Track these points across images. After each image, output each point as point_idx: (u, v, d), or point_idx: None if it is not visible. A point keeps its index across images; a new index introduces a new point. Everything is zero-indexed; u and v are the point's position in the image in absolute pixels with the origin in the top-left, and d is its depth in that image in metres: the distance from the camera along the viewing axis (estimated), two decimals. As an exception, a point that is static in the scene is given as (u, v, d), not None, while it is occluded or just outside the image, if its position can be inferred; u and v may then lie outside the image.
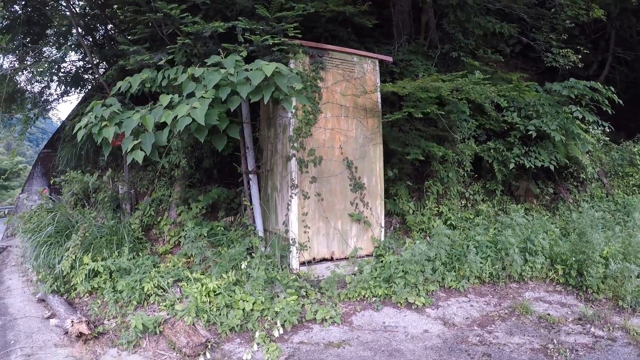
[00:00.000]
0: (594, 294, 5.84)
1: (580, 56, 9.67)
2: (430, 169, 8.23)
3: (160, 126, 5.07)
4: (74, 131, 5.49)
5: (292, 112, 6.07)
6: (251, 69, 4.93)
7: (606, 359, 4.55)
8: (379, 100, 6.91)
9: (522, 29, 10.28)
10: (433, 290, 5.99)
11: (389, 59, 7.25)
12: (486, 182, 8.65)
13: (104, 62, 10.19)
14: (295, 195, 6.11)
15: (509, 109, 8.45)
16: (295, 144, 6.11)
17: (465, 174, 8.42)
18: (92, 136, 5.13)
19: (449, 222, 7.72)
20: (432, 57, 9.10)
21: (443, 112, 7.14)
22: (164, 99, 5.06)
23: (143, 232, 7.57)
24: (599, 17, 10.06)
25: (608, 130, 9.11)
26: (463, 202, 8.33)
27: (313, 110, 6.24)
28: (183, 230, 6.92)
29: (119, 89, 5.84)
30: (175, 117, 4.75)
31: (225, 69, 5.05)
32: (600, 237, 6.24)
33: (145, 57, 6.17)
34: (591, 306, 5.62)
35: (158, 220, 7.80)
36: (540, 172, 8.80)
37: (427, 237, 7.18)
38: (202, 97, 4.83)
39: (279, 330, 4.89)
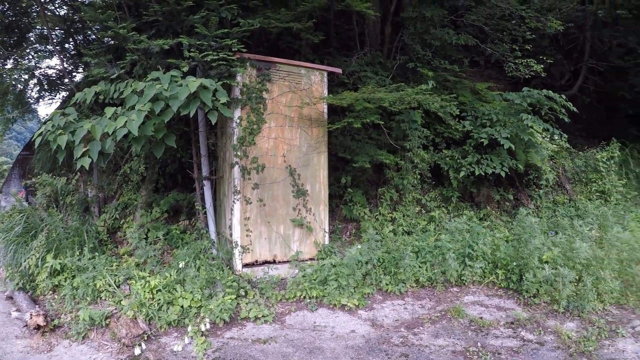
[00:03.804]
0: (532, 298, 6.05)
1: (542, 66, 9.88)
2: (385, 176, 8.50)
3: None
4: (32, 138, 5.83)
5: (236, 122, 6.40)
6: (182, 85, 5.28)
7: None
8: (325, 110, 7.16)
9: (484, 40, 10.52)
10: (369, 293, 6.21)
11: (338, 70, 7.49)
12: (443, 189, 8.91)
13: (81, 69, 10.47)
14: (238, 200, 6.40)
15: (467, 117, 8.71)
16: (238, 152, 6.40)
17: (422, 181, 8.69)
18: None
19: (400, 228, 7.96)
20: (389, 68, 9.35)
21: (382, 122, 7.33)
22: (109, 111, 5.43)
23: (109, 235, 7.83)
24: (559, 29, 10.30)
25: (566, 137, 9.30)
26: (418, 209, 8.56)
27: (257, 121, 6.51)
28: (143, 233, 7.27)
29: (77, 100, 6.18)
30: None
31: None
32: (538, 243, 6.45)
33: (102, 71, 6.50)
34: (528, 310, 5.81)
35: (122, 223, 8.08)
36: (504, 179, 9.05)
37: (359, 242, 7.44)
38: (139, 109, 5.14)
39: (205, 325, 5.15)
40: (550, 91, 8.27)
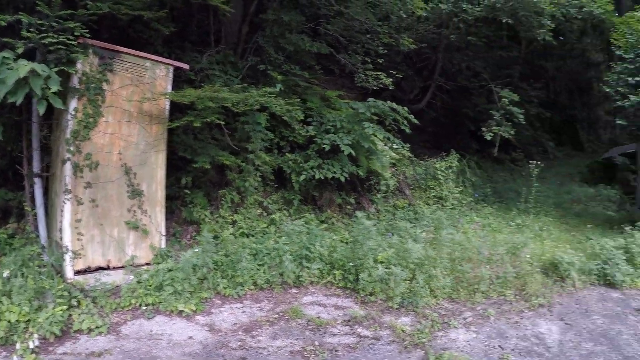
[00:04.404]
0: (368, 296, 6.25)
1: (392, 80, 10.42)
2: (227, 177, 8.37)
3: None
4: None
5: (71, 113, 5.81)
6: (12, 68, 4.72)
7: (365, 358, 4.86)
8: (167, 107, 6.77)
9: (339, 50, 10.89)
10: (208, 298, 6.03)
11: (185, 66, 7.11)
12: (286, 192, 8.98)
13: None
14: (68, 200, 5.80)
15: (312, 123, 8.91)
16: (71, 147, 5.81)
17: (264, 184, 8.69)
18: None
19: (240, 231, 7.83)
20: (240, 68, 9.26)
21: (224, 122, 7.14)
22: None
23: None
24: (411, 47, 11.00)
25: (408, 147, 9.89)
26: (259, 211, 8.52)
27: (94, 114, 5.97)
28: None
29: None
30: None
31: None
32: (373, 244, 6.80)
33: None
34: (365, 308, 6.00)
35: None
36: (346, 184, 9.30)
37: (196, 246, 7.24)
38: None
39: (34, 341, 4.63)
40: (394, 103, 8.76)
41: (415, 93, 14.97)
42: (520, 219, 11.08)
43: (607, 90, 11.41)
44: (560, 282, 7.26)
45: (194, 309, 5.68)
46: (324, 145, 8.45)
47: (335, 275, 6.70)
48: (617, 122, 11.93)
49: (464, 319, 5.92)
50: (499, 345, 5.32)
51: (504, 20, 12.18)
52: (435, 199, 10.98)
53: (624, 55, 11.13)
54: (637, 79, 10.37)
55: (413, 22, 12.58)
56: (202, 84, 7.81)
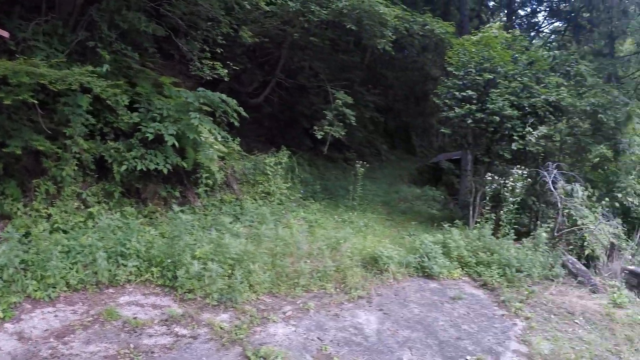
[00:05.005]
0: (187, 293, 6.07)
1: (227, 71, 10.21)
2: (43, 165, 7.49)
3: None
4: None
5: None
6: None
7: (182, 357, 4.73)
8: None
9: (180, 35, 10.45)
10: (17, 302, 5.42)
11: (5, 34, 6.27)
12: (107, 183, 8.32)
13: None
14: None
15: (139, 109, 8.40)
16: None
17: (84, 173, 7.96)
18: None
19: (55, 226, 7.08)
20: (68, 43, 8.37)
21: (37, 101, 6.52)
22: None
23: None
24: (252, 41, 10.92)
25: (238, 140, 9.80)
26: (77, 204, 7.77)
27: None
28: None
29: None
30: None
31: None
32: (191, 239, 6.65)
33: None
34: (183, 306, 5.83)
35: None
36: (172, 176, 8.93)
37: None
38: None
39: None
40: (224, 95, 8.57)
41: (255, 87, 14.91)
42: (347, 215, 11.60)
43: (438, 101, 12.44)
44: (380, 275, 7.69)
45: (2, 316, 5.09)
46: (148, 134, 7.98)
47: (153, 273, 6.41)
48: (442, 130, 13.08)
49: (284, 313, 6.04)
50: (318, 338, 5.53)
51: (347, 26, 12.60)
52: (263, 194, 11.04)
53: (454, 72, 12.25)
54: (464, 94, 11.51)
55: (260, 15, 12.50)
56: (22, 56, 6.92)
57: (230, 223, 7.68)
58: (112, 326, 5.21)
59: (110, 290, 6.10)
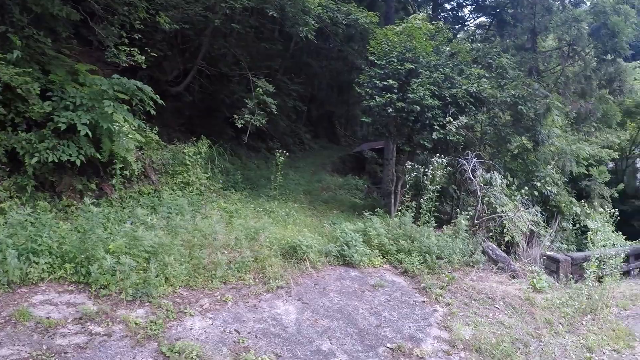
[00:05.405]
0: (101, 289, 5.86)
1: (144, 57, 9.89)
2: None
3: None
4: None
5: None
6: None
7: (96, 356, 4.58)
8: None
9: (95, 20, 10.01)
10: None
11: None
12: (19, 176, 7.89)
13: None
14: None
15: (53, 98, 8.01)
16: None
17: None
18: None
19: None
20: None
21: None
22: None
23: None
24: (172, 27, 10.61)
25: (157, 130, 9.53)
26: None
27: None
28: None
29: None
30: None
31: None
32: (104, 233, 6.42)
33: None
34: (98, 302, 5.61)
35: None
36: (89, 168, 8.61)
37: None
38: None
39: None
40: (139, 82, 8.31)
41: (176, 75, 14.49)
42: (268, 205, 11.55)
43: (360, 90, 12.61)
44: (300, 265, 7.74)
45: None
46: (60, 124, 7.61)
47: (66, 270, 6.11)
48: (362, 119, 13.27)
49: (201, 306, 5.97)
50: (235, 330, 5.50)
51: (270, 13, 12.53)
52: (182, 185, 10.81)
53: (376, 61, 12.45)
54: (385, 83, 11.71)
55: (181, 1, 12.24)
56: None
57: (146, 215, 7.45)
58: (25, 327, 4.95)
59: (23, 289, 5.77)
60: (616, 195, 20.66)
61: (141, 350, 4.79)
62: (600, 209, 9.39)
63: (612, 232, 8.72)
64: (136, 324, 5.22)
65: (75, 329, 5.05)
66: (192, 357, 4.75)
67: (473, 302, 7.33)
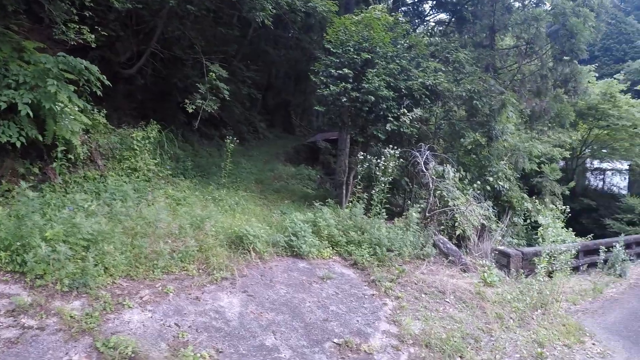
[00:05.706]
0: (37, 279, 5.55)
1: (94, 36, 9.51)
2: None
3: None
4: None
5: None
6: None
7: (27, 352, 4.35)
8: None
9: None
10: None
11: None
12: None
13: None
14: None
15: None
16: None
17: None
18: None
19: None
20: None
21: None
22: None
23: None
24: (125, 7, 10.25)
25: (104, 112, 9.17)
26: None
27: None
28: None
29: None
30: None
31: None
32: (40, 220, 6.07)
33: None
34: (34, 293, 5.31)
35: None
36: (32, 150, 8.22)
37: None
38: None
39: None
40: (86, 61, 7.96)
41: (128, 57, 13.97)
42: (218, 193, 11.33)
43: (314, 79, 12.46)
44: (246, 255, 7.51)
45: None
46: (1, 103, 7.20)
47: (1, 258, 5.78)
48: (315, 108, 13.18)
49: (141, 297, 5.73)
50: (176, 324, 5.32)
51: (225, -4, 12.21)
52: (129, 171, 10.43)
53: (333, 50, 12.31)
54: (340, 72, 11.60)
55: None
56: None
57: (86, 201, 7.12)
58: (-44, 323, 4.65)
59: (-44, 281, 5.43)
60: (567, 192, 21.34)
61: (75, 345, 4.58)
62: (551, 206, 9.53)
63: (562, 228, 8.89)
64: (71, 316, 4.98)
65: (7, 322, 4.78)
66: (126, 354, 4.55)
67: (423, 295, 7.34)
